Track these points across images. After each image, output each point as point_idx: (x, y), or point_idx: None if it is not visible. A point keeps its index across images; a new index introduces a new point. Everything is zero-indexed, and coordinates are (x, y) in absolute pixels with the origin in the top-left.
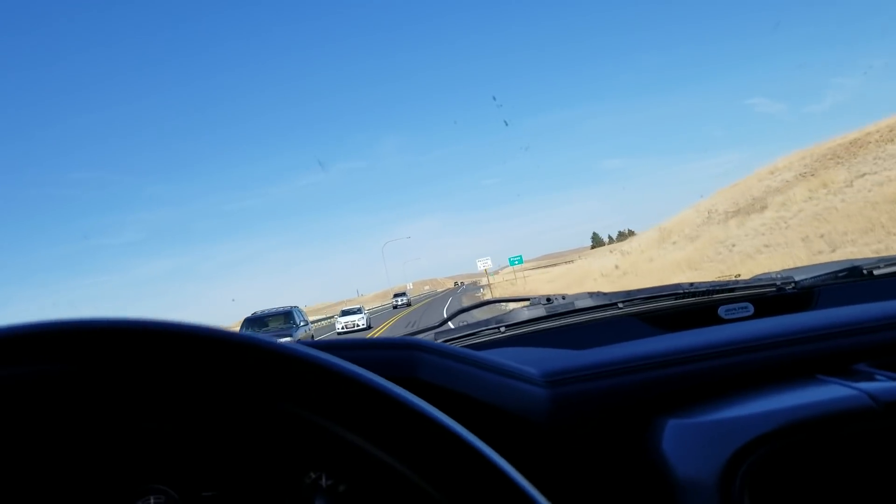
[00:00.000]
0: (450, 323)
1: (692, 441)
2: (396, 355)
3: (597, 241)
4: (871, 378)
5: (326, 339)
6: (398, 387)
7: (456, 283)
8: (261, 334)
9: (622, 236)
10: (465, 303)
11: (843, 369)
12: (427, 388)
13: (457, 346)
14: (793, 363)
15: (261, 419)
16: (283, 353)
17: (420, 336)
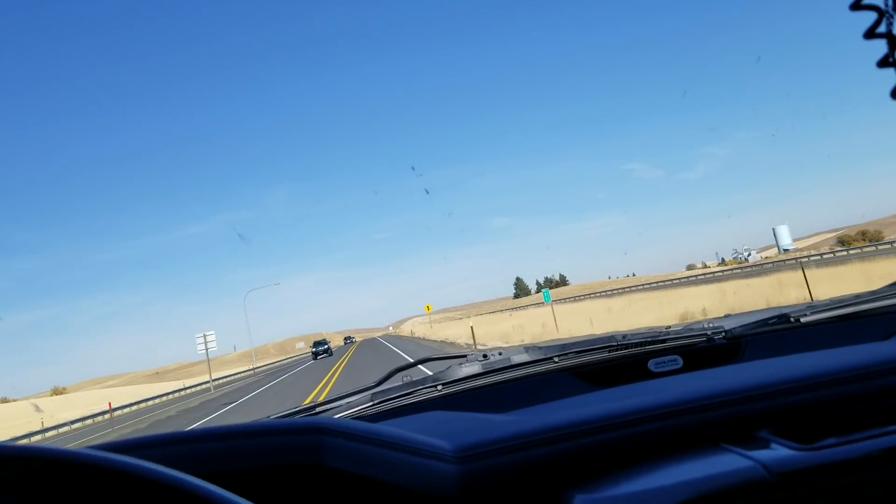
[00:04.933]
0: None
1: None
2: (299, 441)
3: (522, 290)
4: (768, 446)
5: (207, 427)
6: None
7: (346, 339)
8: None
9: (551, 283)
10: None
11: (746, 436)
12: (334, 475)
13: (391, 405)
14: (702, 429)
15: None
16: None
17: (355, 397)
